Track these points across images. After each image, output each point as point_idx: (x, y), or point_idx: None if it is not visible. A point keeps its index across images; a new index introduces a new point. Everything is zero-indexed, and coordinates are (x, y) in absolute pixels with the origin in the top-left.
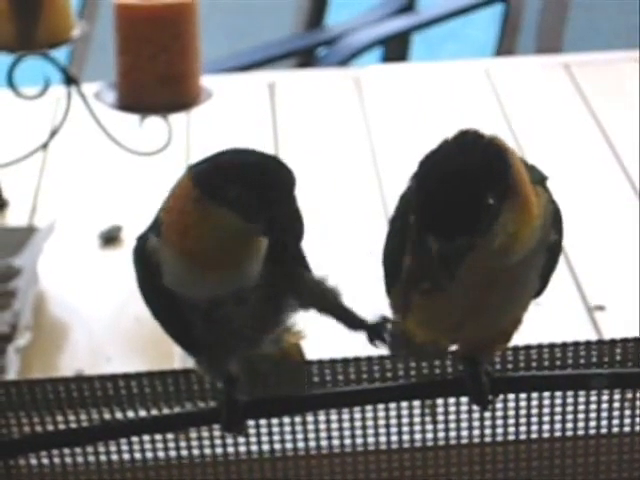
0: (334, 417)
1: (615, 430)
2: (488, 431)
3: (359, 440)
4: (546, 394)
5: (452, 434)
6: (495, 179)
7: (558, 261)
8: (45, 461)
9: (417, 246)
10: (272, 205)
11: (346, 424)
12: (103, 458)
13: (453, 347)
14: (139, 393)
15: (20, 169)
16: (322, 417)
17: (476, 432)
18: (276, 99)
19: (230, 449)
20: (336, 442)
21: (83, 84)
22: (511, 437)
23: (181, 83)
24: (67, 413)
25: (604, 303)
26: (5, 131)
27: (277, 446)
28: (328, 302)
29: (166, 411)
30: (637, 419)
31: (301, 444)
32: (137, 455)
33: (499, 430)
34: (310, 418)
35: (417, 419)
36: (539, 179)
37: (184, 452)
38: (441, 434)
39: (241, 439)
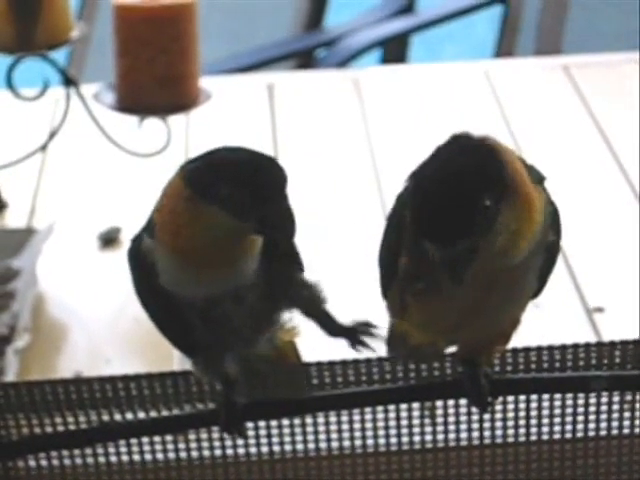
0: (333, 419)
1: (614, 432)
2: (487, 433)
3: (358, 442)
4: (545, 396)
5: (451, 436)
6: (489, 180)
7: (556, 262)
8: (44, 463)
9: (413, 248)
10: (264, 203)
11: (345, 426)
12: (102, 460)
13: (451, 349)
14: (138, 395)
15: (19, 170)
16: (321, 419)
17: (475, 434)
18: (275, 101)
19: (229, 451)
20: (335, 444)
21: (82, 85)
22: (510, 439)
23: (180, 84)
24: (66, 415)
25: (603, 305)
26: (4, 132)
27: (276, 448)
28: (313, 307)
29: (165, 413)
30: (636, 421)
31: (300, 446)
32: (136, 457)
33: (498, 432)
34: (309, 420)
35: (416, 421)
36: (537, 179)
37: (183, 454)
38: (440, 436)
39: (240, 441)
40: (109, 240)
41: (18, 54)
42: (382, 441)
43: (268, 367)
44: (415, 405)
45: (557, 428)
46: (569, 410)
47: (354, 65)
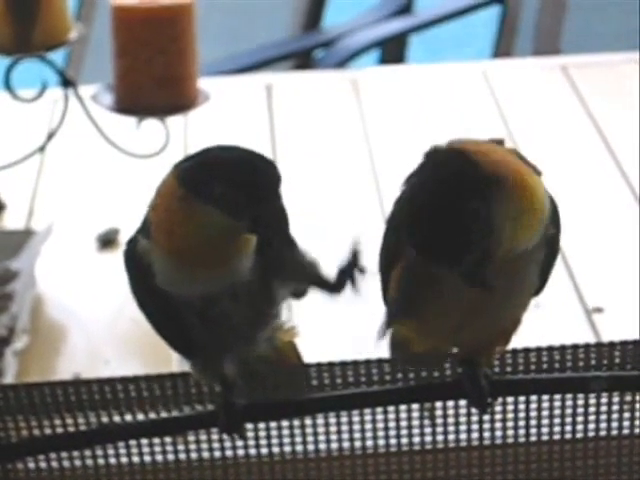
0: (332, 420)
1: (614, 433)
2: (487, 434)
3: (358, 443)
4: (545, 397)
5: (451, 437)
6: (469, 185)
7: (557, 257)
8: (43, 465)
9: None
10: (258, 202)
11: (345, 427)
12: (101, 462)
13: (453, 350)
14: (137, 396)
15: (17, 172)
16: (320, 420)
17: (475, 435)
18: (273, 101)
19: (228, 452)
20: (334, 445)
21: (80, 86)
22: (510, 440)
23: (178, 85)
24: (65, 417)
25: (602, 305)
26: (2, 134)
27: (275, 449)
28: (308, 277)
29: (164, 415)
30: (636, 422)
31: (299, 447)
32: (135, 459)
33: (498, 433)
34: (308, 421)
35: (416, 422)
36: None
37: (182, 456)
38: (440, 437)
39: (239, 442)
40: (108, 241)
41: (16, 55)
42: (382, 442)
43: (268, 368)
44: (415, 406)
45: (557, 429)
46: (569, 411)
47: (352, 65)
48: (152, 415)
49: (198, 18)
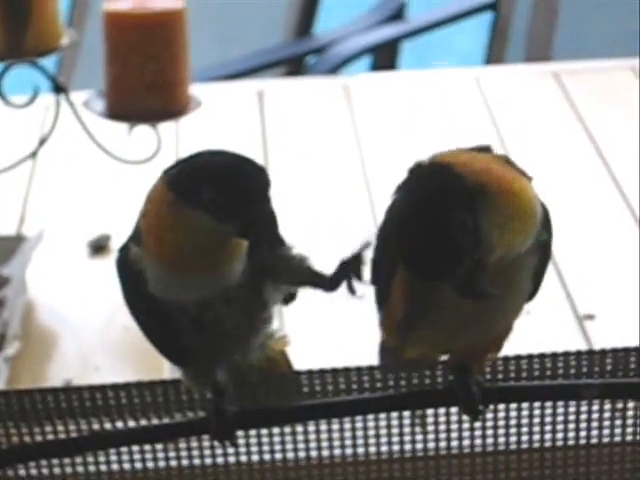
0: (324, 427)
1: (605, 440)
2: (478, 441)
3: (349, 450)
4: (536, 404)
5: (442, 444)
6: (452, 198)
7: (549, 262)
8: (34, 472)
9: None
10: (247, 207)
11: (336, 434)
12: (92, 469)
13: (444, 357)
14: (128, 403)
15: (9, 178)
16: (312, 427)
17: (466, 442)
18: (265, 107)
19: (219, 459)
20: (326, 453)
21: (72, 92)
22: (501, 447)
23: (170, 91)
24: (56, 423)
25: (594, 312)
26: None
27: (266, 456)
28: (301, 275)
29: (155, 421)
30: (627, 429)
31: (291, 454)
32: (126, 465)
33: (489, 440)
34: (300, 428)
35: (407, 429)
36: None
37: (173, 462)
38: (431, 444)
39: (230, 449)
40: (99, 248)
41: (8, 61)
42: (373, 449)
43: (259, 376)
44: (406, 413)
45: (548, 436)
46: (560, 418)
47: (344, 72)
48: (143, 422)
49: (190, 24)
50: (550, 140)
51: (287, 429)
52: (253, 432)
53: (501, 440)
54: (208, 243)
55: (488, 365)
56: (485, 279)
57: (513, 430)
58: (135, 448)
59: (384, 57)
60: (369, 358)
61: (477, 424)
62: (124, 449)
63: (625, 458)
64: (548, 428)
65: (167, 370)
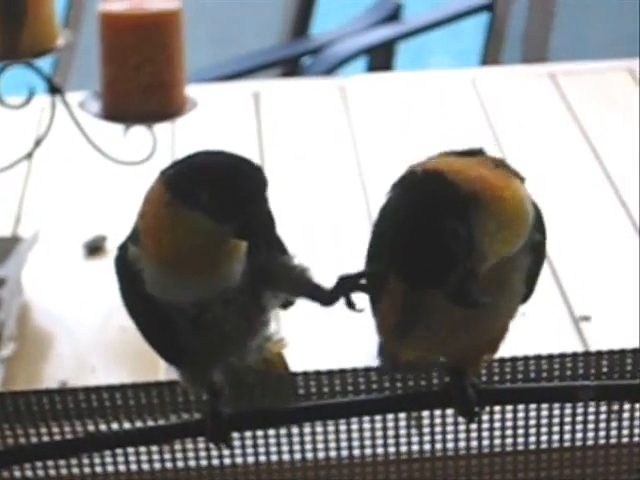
0: (319, 429)
1: (601, 442)
2: (474, 443)
3: (345, 452)
4: (532, 406)
5: (438, 446)
6: (444, 207)
7: (543, 264)
8: (29, 473)
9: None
10: (244, 207)
11: (331, 436)
12: (87, 470)
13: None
14: (123, 405)
15: (4, 179)
16: (307, 429)
17: (462, 444)
18: (261, 108)
19: (215, 461)
20: (321, 454)
21: (68, 93)
22: (497, 449)
23: (166, 93)
24: (51, 425)
25: (590, 313)
26: None
27: (262, 458)
28: (300, 285)
29: (151, 423)
30: (623, 431)
31: (286, 456)
32: (121, 467)
33: (485, 442)
34: (295, 430)
35: (403, 431)
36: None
37: (169, 464)
38: (427, 446)
39: (226, 451)
40: (95, 248)
41: (3, 62)
42: (369, 451)
43: (256, 378)
44: (402, 415)
45: (544, 438)
46: (556, 420)
47: (340, 73)
48: (139, 424)
49: (186, 25)
50: (546, 141)
51: (283, 431)
52: (249, 433)
53: (497, 442)
54: (206, 244)
55: (484, 367)
56: (477, 288)
57: (509, 432)
58: (130, 450)
59: (380, 58)
60: (365, 360)
61: (473, 426)
62: (119, 451)
63: (621, 460)
64: (544, 430)
65: (163, 371)
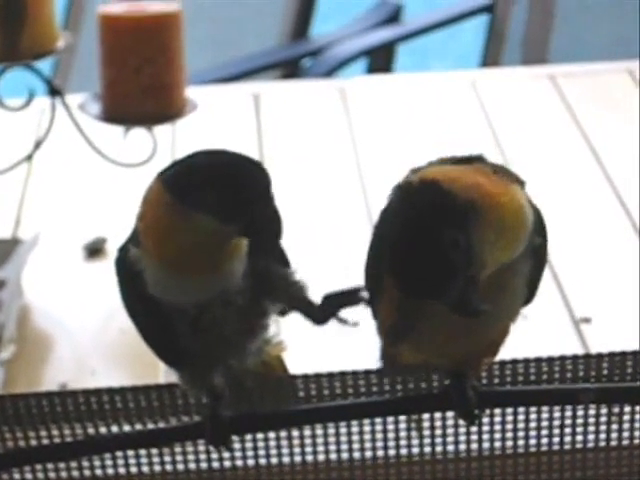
0: (319, 432)
1: (602, 444)
2: (474, 446)
3: (345, 455)
4: (533, 408)
5: (438, 449)
6: (442, 218)
7: (545, 267)
8: (29, 476)
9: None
10: (251, 206)
11: (331, 439)
12: (87, 473)
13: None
14: (123, 408)
15: (4, 181)
16: (307, 432)
17: (462, 447)
18: (261, 110)
19: (215, 464)
20: (322, 457)
21: (68, 95)
22: (497, 452)
23: (166, 94)
24: (51, 427)
25: (590, 315)
26: None
27: (262, 461)
28: (297, 299)
29: (150, 426)
30: (624, 433)
31: (286, 459)
32: (121, 470)
33: (485, 445)
34: (295, 433)
35: (403, 433)
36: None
37: (169, 467)
38: (427, 449)
39: (226, 454)
40: (95, 250)
41: (3, 64)
42: (369, 454)
43: (255, 381)
44: (402, 417)
45: (544, 440)
46: (557, 422)
47: (340, 75)
48: (138, 426)
49: (185, 27)
50: (546, 143)
51: (283, 433)
52: (249, 436)
53: (497, 445)
54: (210, 244)
55: (484, 369)
56: (478, 296)
57: (509, 434)
58: (130, 453)
59: (380, 60)
60: (365, 362)
61: (473, 428)
62: (119, 453)
63: (622, 462)
64: (544, 432)
65: (162, 374)
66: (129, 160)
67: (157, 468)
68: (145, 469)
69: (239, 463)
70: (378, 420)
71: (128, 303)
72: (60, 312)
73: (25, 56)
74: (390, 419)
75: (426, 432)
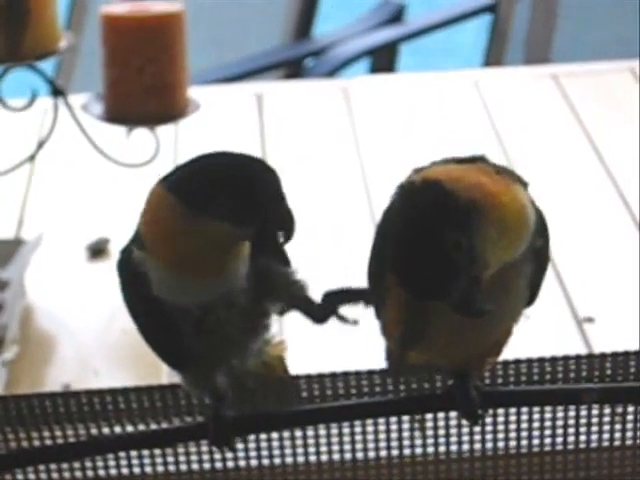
0: (322, 432)
1: (605, 444)
2: (478, 445)
3: (348, 455)
4: (536, 408)
5: (442, 448)
6: (450, 215)
7: (547, 268)
8: (32, 477)
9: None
10: (263, 207)
11: (335, 439)
12: (90, 474)
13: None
14: (126, 408)
15: (7, 181)
16: (311, 432)
17: (466, 446)
18: (264, 110)
19: (218, 464)
20: (325, 457)
21: (70, 96)
22: (501, 452)
23: (169, 94)
24: (54, 428)
25: (593, 315)
26: None
27: (265, 461)
28: (297, 299)
29: (153, 426)
30: (627, 433)
31: (289, 459)
32: (124, 471)
33: (489, 444)
34: (298, 433)
35: (406, 434)
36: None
37: (171, 468)
38: (430, 449)
39: (229, 454)
40: (98, 251)
41: (6, 64)
42: (372, 454)
43: (256, 382)
44: (405, 417)
45: (548, 440)
46: (560, 422)
47: (343, 74)
48: (141, 427)
49: (188, 27)
50: (549, 142)
51: (286, 434)
52: (252, 437)
53: (500, 445)
54: (220, 247)
55: (487, 369)
56: (481, 296)
57: (513, 434)
58: (133, 453)
59: (383, 60)
60: (366, 361)
61: (476, 428)
62: (122, 454)
63: (625, 462)
64: (548, 432)
65: (165, 374)
66: (132, 160)
67: (160, 469)
68: (148, 470)
69: (242, 464)
70: (381, 420)
71: (131, 305)
72: (63, 313)
73: (28, 56)
74: (393, 419)
75: (429, 432)
